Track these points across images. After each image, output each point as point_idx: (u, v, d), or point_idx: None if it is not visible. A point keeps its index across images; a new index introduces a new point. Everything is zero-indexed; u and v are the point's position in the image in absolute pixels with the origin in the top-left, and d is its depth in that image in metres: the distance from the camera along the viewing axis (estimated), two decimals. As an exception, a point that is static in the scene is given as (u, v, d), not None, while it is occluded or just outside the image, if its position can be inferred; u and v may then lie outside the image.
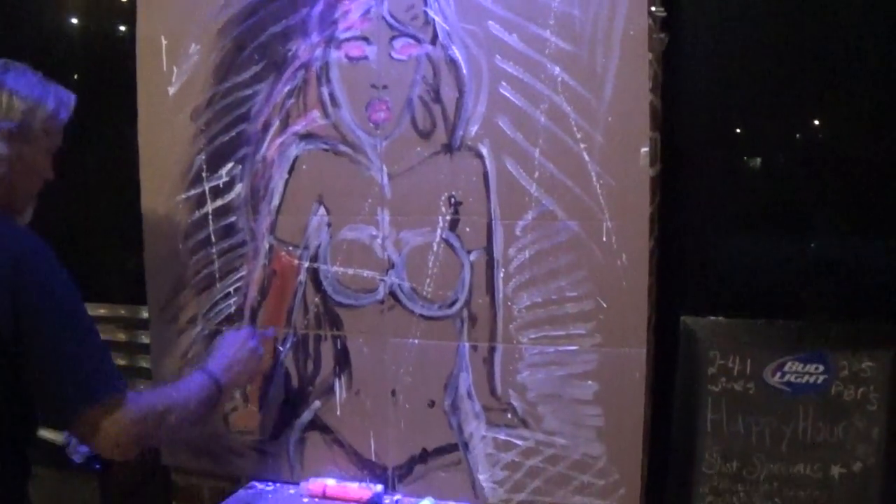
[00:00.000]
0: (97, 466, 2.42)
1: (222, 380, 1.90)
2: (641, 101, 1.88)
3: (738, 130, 2.50)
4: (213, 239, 2.20)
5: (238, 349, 1.99)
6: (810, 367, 2.30)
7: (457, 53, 1.97)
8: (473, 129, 1.98)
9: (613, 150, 1.90)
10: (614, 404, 1.98)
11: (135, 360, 2.54)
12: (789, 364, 2.34)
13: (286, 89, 2.10)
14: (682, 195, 2.50)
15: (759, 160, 2.52)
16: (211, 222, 2.20)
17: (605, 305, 1.95)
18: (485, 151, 1.98)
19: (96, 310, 2.68)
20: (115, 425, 1.59)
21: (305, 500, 2.14)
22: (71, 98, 1.74)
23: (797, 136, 2.52)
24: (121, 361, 2.51)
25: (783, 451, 2.32)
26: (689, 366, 2.44)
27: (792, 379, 2.33)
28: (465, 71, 1.97)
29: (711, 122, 2.47)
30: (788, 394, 2.33)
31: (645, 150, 1.89)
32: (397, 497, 2.13)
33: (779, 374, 2.34)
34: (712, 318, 2.44)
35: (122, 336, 2.54)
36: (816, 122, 2.50)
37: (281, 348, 2.18)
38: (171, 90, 2.18)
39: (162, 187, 2.23)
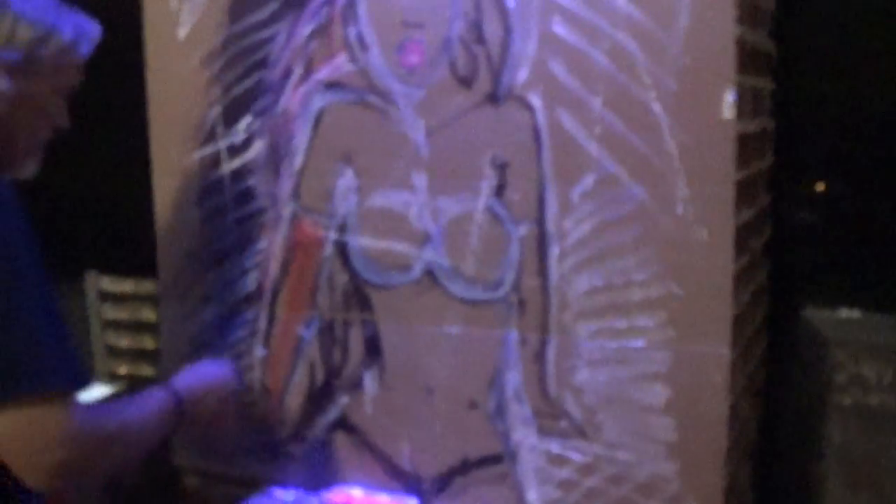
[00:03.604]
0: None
1: (186, 403, 1.79)
2: (724, 37, 1.79)
3: (882, 68, 2.37)
4: (229, 205, 2.25)
5: (211, 373, 1.97)
6: (974, 378, 2.18)
7: (501, -18, 1.96)
8: (522, 74, 1.94)
9: (690, 99, 1.82)
10: (690, 415, 1.91)
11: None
12: (944, 374, 2.22)
13: (308, 29, 2.11)
14: (801, 153, 2.40)
15: None
16: (227, 186, 2.25)
17: (679, 292, 1.89)
18: (535, 102, 1.94)
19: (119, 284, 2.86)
20: (45, 432, 1.40)
21: (326, 511, 2.20)
22: (95, 30, 1.69)
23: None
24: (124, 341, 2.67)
25: (930, 484, 2.21)
26: (812, 373, 2.35)
27: (947, 393, 2.22)
28: (511, 4, 1.93)
29: (843, 62, 2.37)
30: (942, 412, 2.22)
31: (730, 97, 1.82)
32: (434, 514, 2.16)
33: (930, 387, 2.22)
34: (843, 312, 2.33)
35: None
36: None
37: (305, 334, 2.23)
38: (181, 32, 2.23)
39: (175, 145, 2.29)
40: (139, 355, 2.80)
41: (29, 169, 1.65)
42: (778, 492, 2.42)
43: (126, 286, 2.81)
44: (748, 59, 1.97)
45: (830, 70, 2.38)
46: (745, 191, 1.97)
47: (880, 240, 2.38)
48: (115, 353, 2.84)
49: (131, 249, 2.43)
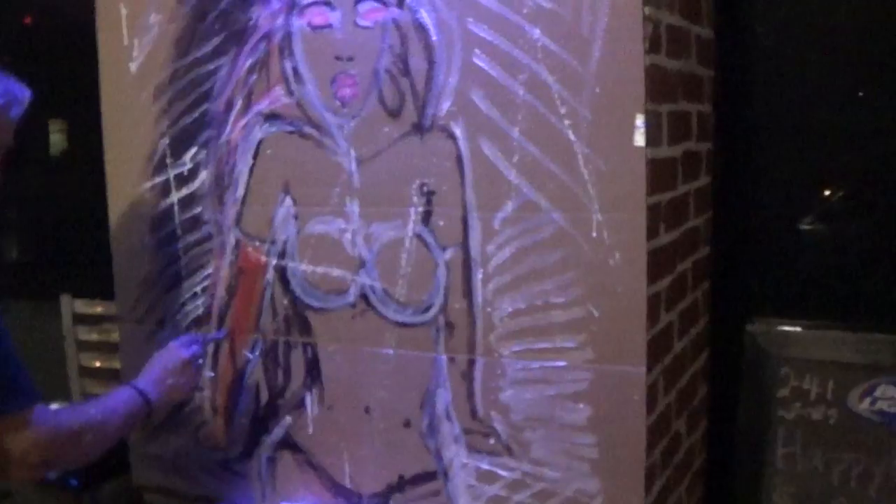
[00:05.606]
0: (73, 483, 2.63)
1: (152, 394, 2.04)
2: (634, 66, 1.81)
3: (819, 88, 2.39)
4: (178, 232, 2.31)
5: (170, 359, 2.13)
6: (909, 393, 2.20)
7: (425, 17, 1.97)
8: (445, 105, 1.98)
9: (603, 127, 1.85)
10: (611, 433, 1.93)
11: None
12: (882, 388, 2.24)
13: (248, 63, 2.16)
14: (742, 171, 2.42)
15: (848, 120, 2.37)
16: (177, 214, 2.31)
17: (596, 314, 1.92)
18: (458, 132, 1.98)
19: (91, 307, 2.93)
20: (18, 443, 1.72)
21: (271, 528, 2.25)
22: (25, 94, 1.80)
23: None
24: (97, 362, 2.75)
25: (872, 496, 2.22)
26: (756, 387, 2.37)
27: (885, 407, 2.23)
28: (434, 38, 1.97)
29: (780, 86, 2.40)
30: (880, 425, 2.23)
31: (640, 125, 1.85)
32: (372, 531, 2.20)
33: (868, 400, 2.24)
34: (785, 326, 2.35)
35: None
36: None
37: (250, 356, 2.30)
38: (133, 66, 2.30)
39: (128, 174, 2.35)
40: (111, 375, 2.87)
41: None
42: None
43: (98, 308, 2.88)
44: (668, 87, 2.00)
45: (768, 92, 2.41)
46: (666, 214, 2.01)
47: (818, 253, 2.40)
48: (88, 373, 2.93)
49: (103, 273, 2.51)
